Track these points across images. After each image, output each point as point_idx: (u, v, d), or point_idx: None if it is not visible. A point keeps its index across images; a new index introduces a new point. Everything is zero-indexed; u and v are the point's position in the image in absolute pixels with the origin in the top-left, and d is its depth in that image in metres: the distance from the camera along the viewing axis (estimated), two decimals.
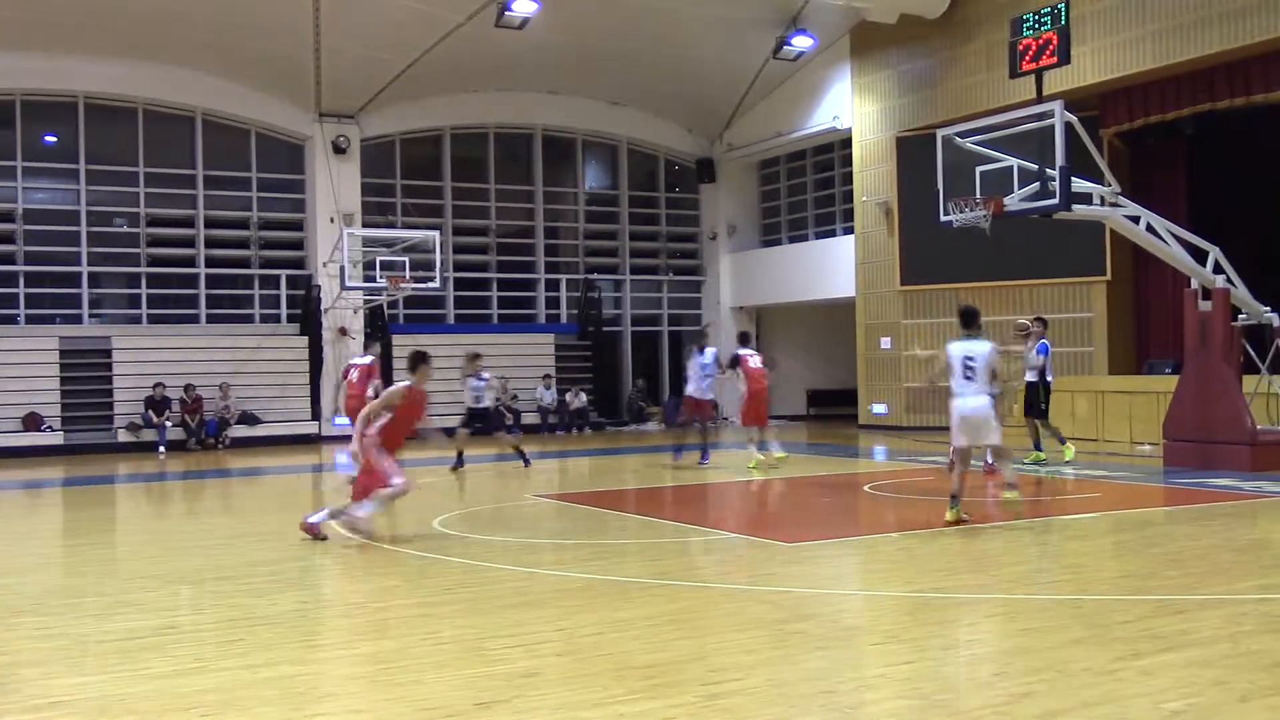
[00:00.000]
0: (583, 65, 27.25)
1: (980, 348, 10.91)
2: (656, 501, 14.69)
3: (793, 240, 30.47)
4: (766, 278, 30.17)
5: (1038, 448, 16.64)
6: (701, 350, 18.17)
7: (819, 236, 29.35)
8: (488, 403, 18.16)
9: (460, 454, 17.63)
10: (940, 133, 15.77)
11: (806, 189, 30.13)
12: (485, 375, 18.16)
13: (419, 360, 10.84)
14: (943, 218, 15.42)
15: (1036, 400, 16.46)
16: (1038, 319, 17.00)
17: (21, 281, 24.78)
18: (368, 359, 16.64)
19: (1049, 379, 16.51)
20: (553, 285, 30.15)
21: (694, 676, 5.92)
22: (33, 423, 23.47)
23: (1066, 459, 16.51)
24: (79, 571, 9.89)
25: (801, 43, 26.37)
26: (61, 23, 22.96)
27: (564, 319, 30.00)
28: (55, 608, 8.11)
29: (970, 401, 10.86)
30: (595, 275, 30.37)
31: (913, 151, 23.19)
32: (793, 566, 9.29)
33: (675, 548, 10.54)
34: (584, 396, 27.89)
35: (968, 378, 10.82)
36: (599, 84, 28.71)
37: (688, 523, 12.06)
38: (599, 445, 23.52)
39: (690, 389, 17.88)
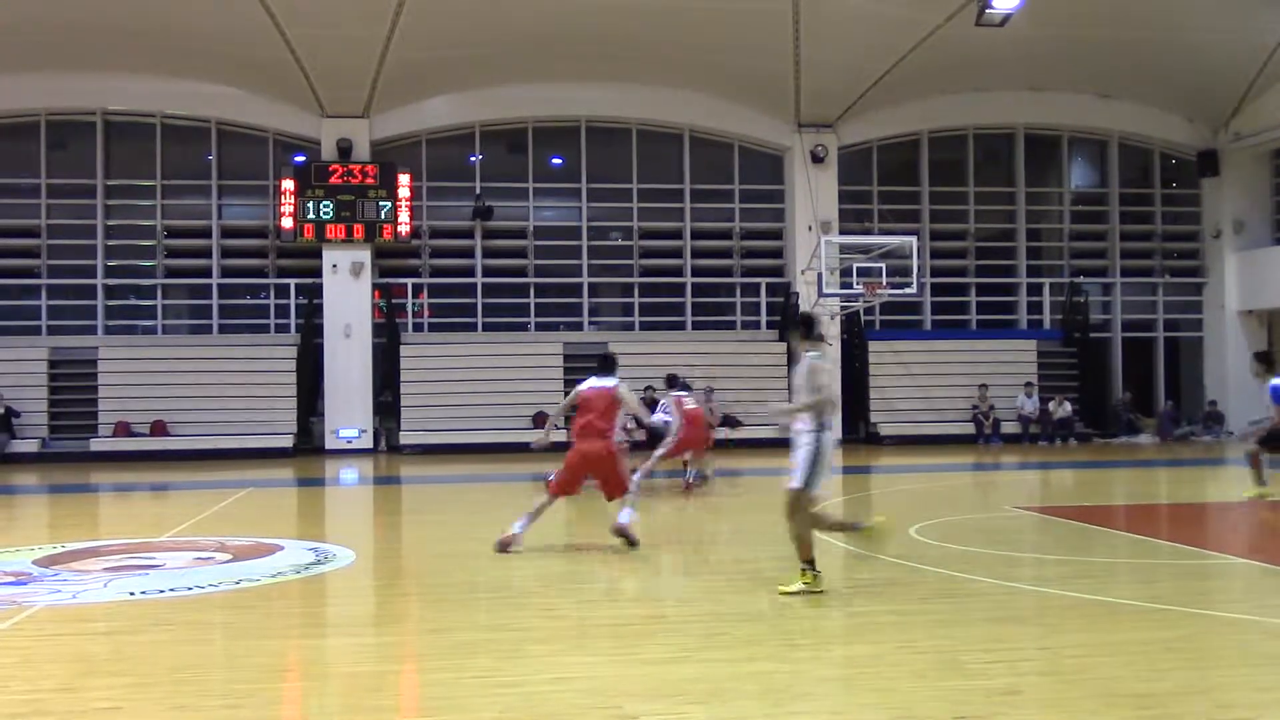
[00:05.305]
0: (1068, 58, 25.98)
1: None
2: (1150, 519, 13.69)
3: None
4: None
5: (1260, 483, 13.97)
6: None
7: None
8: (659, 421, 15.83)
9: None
10: None
11: None
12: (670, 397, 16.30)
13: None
14: None
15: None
16: (1260, 354, 14.23)
17: (531, 292, 27.35)
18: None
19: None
20: (1035, 289, 29.00)
21: (1195, 710, 5.45)
22: (540, 421, 25.72)
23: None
24: (578, 558, 10.69)
25: None
26: (566, 54, 25.04)
27: (1047, 324, 28.76)
28: (558, 590, 8.82)
29: None
30: (1082, 278, 28.86)
31: None
32: None
33: (1172, 570, 9.76)
34: (1069, 406, 26.56)
35: None
36: (1086, 76, 27.24)
37: (1186, 544, 11.14)
38: (1085, 458, 22.27)
39: None
